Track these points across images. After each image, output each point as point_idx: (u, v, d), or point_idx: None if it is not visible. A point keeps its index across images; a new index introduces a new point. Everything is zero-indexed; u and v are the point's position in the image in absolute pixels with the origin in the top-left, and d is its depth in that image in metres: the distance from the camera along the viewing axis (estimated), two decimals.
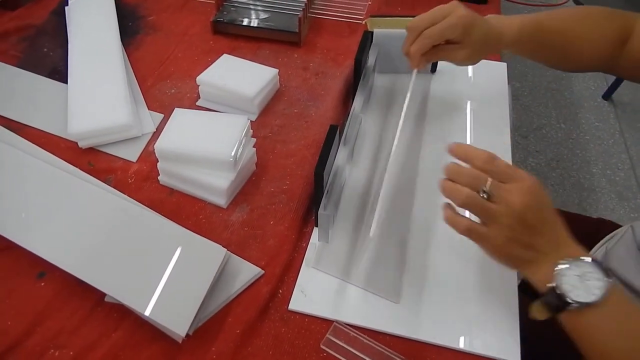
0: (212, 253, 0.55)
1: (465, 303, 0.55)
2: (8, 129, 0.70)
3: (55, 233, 0.57)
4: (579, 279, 0.44)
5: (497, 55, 0.88)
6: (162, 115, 0.74)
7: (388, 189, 0.66)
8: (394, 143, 0.60)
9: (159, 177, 0.66)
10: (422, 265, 0.58)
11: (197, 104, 0.77)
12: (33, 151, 0.67)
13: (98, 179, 0.65)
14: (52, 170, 0.63)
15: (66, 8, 0.91)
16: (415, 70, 0.66)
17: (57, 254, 0.55)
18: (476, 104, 0.78)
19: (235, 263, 0.57)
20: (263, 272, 0.57)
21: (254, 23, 0.88)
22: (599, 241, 0.74)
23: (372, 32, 0.75)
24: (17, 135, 0.69)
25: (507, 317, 0.53)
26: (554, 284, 0.44)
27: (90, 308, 0.53)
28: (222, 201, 0.63)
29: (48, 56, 0.84)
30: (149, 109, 0.75)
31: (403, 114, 0.62)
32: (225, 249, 0.55)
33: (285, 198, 0.64)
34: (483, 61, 0.85)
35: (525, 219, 0.45)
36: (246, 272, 0.56)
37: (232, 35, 0.89)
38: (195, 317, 0.50)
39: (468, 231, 0.47)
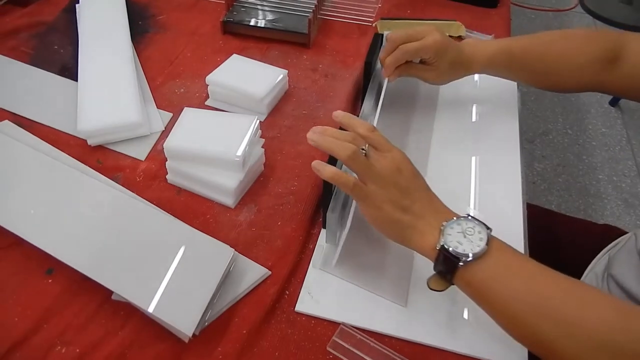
0: (220, 253, 0.55)
1: (472, 307, 0.54)
2: (18, 125, 0.71)
3: (64, 230, 0.57)
4: (462, 235, 0.46)
5: None
6: (171, 114, 0.74)
7: None
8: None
9: (167, 176, 0.66)
10: (429, 268, 0.57)
11: (206, 103, 0.77)
12: (43, 148, 0.67)
13: (106, 176, 0.65)
14: (61, 168, 0.64)
15: (77, 6, 0.91)
16: (387, 79, 0.69)
17: (65, 251, 0.55)
18: (485, 109, 0.78)
19: (242, 263, 0.57)
20: (270, 272, 0.57)
21: (264, 24, 0.88)
22: (604, 247, 0.74)
23: (382, 35, 0.75)
24: (27, 132, 0.70)
25: None
26: (441, 244, 0.46)
27: (98, 305, 0.53)
28: (230, 201, 0.63)
29: (58, 53, 0.84)
30: (158, 107, 0.75)
31: (378, 113, 0.63)
32: (233, 249, 0.55)
33: (293, 199, 0.64)
34: None
35: (397, 181, 0.49)
36: (253, 272, 0.56)
37: (241, 36, 0.89)
38: (202, 317, 0.50)
39: (354, 186, 0.48)
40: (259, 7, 0.92)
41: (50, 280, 0.55)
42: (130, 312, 0.53)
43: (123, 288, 0.52)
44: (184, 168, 0.63)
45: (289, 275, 0.57)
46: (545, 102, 2.06)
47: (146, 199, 0.63)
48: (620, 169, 1.79)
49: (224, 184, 0.61)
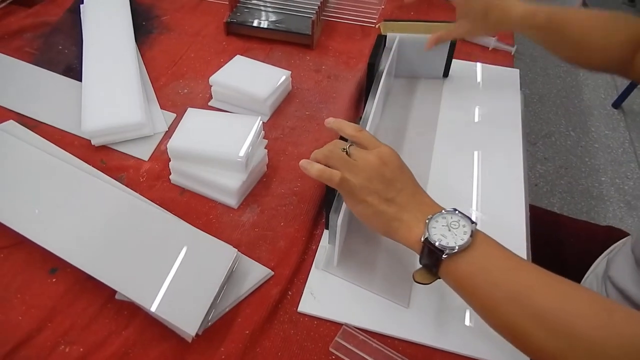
0: (223, 253, 0.55)
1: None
2: (23, 125, 0.71)
3: (68, 229, 0.57)
4: (447, 229, 0.46)
5: (509, 62, 0.88)
6: (175, 115, 0.75)
7: None
8: (369, 122, 0.61)
9: (170, 176, 0.66)
10: None
11: (209, 104, 0.77)
12: (47, 148, 0.68)
13: (110, 176, 0.65)
14: (65, 167, 0.64)
15: (81, 6, 0.91)
16: (386, 67, 0.70)
17: (69, 250, 0.55)
18: (488, 109, 0.78)
19: (245, 264, 0.57)
20: (273, 273, 0.57)
21: (267, 25, 0.89)
22: (606, 249, 0.74)
23: (385, 36, 0.75)
24: (31, 132, 0.70)
25: None
26: (425, 236, 0.46)
27: (101, 305, 0.54)
28: (232, 201, 0.63)
29: (63, 54, 0.85)
30: (161, 108, 0.76)
31: (373, 110, 0.64)
32: (236, 250, 0.55)
33: (296, 200, 0.64)
34: (495, 67, 0.86)
35: (382, 173, 0.50)
36: (256, 273, 0.56)
37: (245, 37, 0.89)
38: (205, 316, 0.50)
39: (341, 181, 0.49)
40: (262, 8, 0.93)
41: (54, 280, 0.56)
42: (133, 312, 0.53)
43: (127, 287, 0.52)
44: (187, 168, 0.63)
45: (292, 276, 0.57)
46: (548, 104, 2.05)
47: (149, 199, 0.63)
48: (623, 171, 1.78)
49: (227, 185, 0.62)
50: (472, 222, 0.46)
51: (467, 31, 0.72)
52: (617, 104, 2.04)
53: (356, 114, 0.77)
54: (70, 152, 0.68)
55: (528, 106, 2.03)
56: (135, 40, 0.85)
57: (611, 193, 1.72)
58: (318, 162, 0.52)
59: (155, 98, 0.77)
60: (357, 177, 0.50)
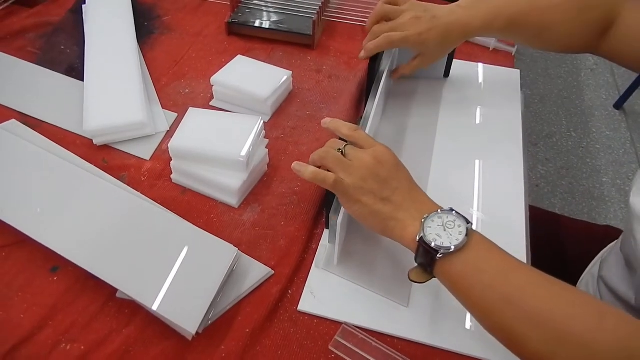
0: (223, 252, 0.55)
1: None
2: (25, 125, 0.71)
3: (69, 228, 0.58)
4: (442, 229, 0.46)
5: (510, 62, 0.88)
6: (176, 115, 0.75)
7: None
8: (368, 124, 0.61)
9: (171, 176, 0.66)
10: None
11: (211, 104, 0.77)
12: (49, 147, 0.68)
13: (112, 175, 0.66)
14: (67, 166, 0.64)
15: (83, 6, 0.92)
16: (387, 67, 0.71)
17: (70, 249, 0.55)
18: (489, 110, 0.78)
19: (245, 263, 0.57)
20: (273, 272, 0.57)
21: (269, 25, 0.89)
22: (605, 249, 0.74)
23: None
24: (33, 131, 0.70)
25: None
26: (420, 236, 0.46)
27: (102, 303, 0.54)
28: (233, 201, 0.63)
29: (65, 54, 0.85)
30: (163, 108, 0.76)
31: (374, 109, 0.64)
32: (237, 249, 0.56)
33: (296, 199, 0.64)
34: (496, 67, 0.86)
35: (377, 173, 0.50)
36: (256, 271, 0.57)
37: (246, 37, 0.90)
38: (205, 315, 0.51)
39: (335, 183, 0.50)
40: (263, 8, 0.93)
41: (55, 278, 0.56)
42: (134, 310, 0.53)
43: (128, 286, 0.52)
44: (188, 168, 0.64)
45: (292, 275, 0.57)
46: (550, 104, 2.05)
47: (151, 199, 0.63)
48: (624, 172, 1.78)
49: (228, 184, 0.62)
50: (468, 222, 0.46)
51: (428, 62, 0.73)
52: (618, 105, 2.04)
53: (357, 114, 0.78)
54: (72, 152, 0.68)
55: (529, 107, 2.03)
56: (137, 41, 0.85)
57: (612, 194, 1.72)
58: (315, 164, 0.53)
59: (157, 98, 0.77)
60: (351, 177, 0.50)
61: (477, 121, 0.77)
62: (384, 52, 0.72)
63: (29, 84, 0.79)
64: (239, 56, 0.80)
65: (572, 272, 0.76)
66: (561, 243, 0.82)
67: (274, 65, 0.79)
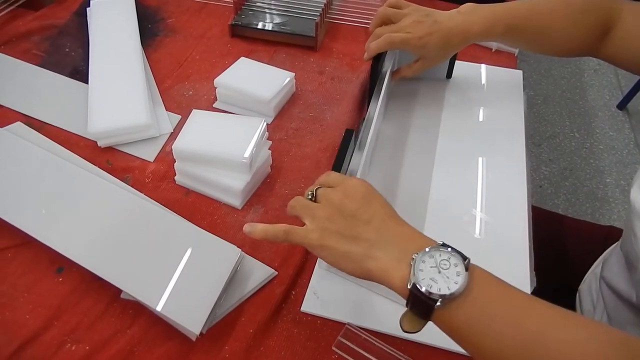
0: (227, 253, 0.56)
1: None
2: (30, 127, 0.72)
3: (74, 229, 0.58)
4: (436, 270, 0.40)
5: (513, 63, 0.88)
6: (180, 117, 0.75)
7: (402, 194, 0.66)
8: (369, 135, 0.61)
9: (175, 177, 0.67)
10: None
11: (214, 106, 0.78)
12: (54, 149, 0.69)
13: (116, 177, 0.66)
14: (71, 168, 0.65)
15: (88, 9, 0.92)
16: (389, 69, 0.71)
17: (75, 250, 0.56)
18: (491, 111, 0.78)
19: (249, 263, 0.58)
20: (276, 273, 0.57)
21: (272, 27, 0.89)
22: (607, 249, 0.74)
23: None
24: (38, 133, 0.71)
25: None
26: (412, 282, 0.39)
27: (107, 304, 0.54)
28: (237, 202, 0.64)
29: (69, 56, 0.86)
30: (166, 109, 0.76)
31: (377, 110, 0.65)
32: (240, 250, 0.56)
33: None
34: (499, 69, 0.86)
35: (344, 209, 0.45)
36: (260, 272, 0.57)
37: (249, 39, 0.90)
38: (209, 316, 0.51)
39: (286, 233, 0.46)
40: (266, 10, 0.93)
41: (60, 279, 0.56)
42: (138, 311, 0.54)
43: (132, 287, 0.53)
44: (192, 169, 0.64)
45: (295, 276, 0.57)
46: (553, 105, 2.05)
47: (155, 200, 0.63)
48: (628, 173, 1.78)
49: (231, 185, 0.62)
50: (465, 259, 0.41)
51: (429, 66, 0.73)
52: (622, 105, 2.03)
53: (359, 115, 0.78)
54: (76, 153, 0.69)
55: (532, 107, 2.03)
56: (141, 43, 0.86)
57: (616, 195, 1.72)
58: (290, 214, 0.49)
59: (161, 100, 0.78)
60: (315, 220, 0.45)
61: (480, 122, 0.77)
62: (386, 53, 0.72)
63: (33, 86, 0.79)
64: (242, 58, 0.81)
65: (575, 272, 0.76)
66: (564, 243, 0.82)
67: (277, 67, 0.80)
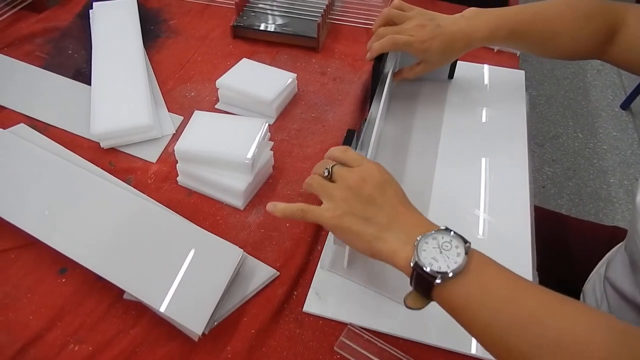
0: (229, 253, 0.56)
1: None
2: (33, 128, 0.72)
3: (77, 230, 0.58)
4: (438, 251, 0.43)
5: (515, 63, 0.88)
6: (182, 118, 0.76)
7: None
8: (372, 139, 0.61)
9: (177, 178, 0.67)
10: None
11: (216, 107, 0.78)
12: (57, 150, 0.69)
13: (119, 178, 0.66)
14: (74, 169, 0.65)
15: (90, 11, 0.93)
16: (391, 69, 0.72)
17: (78, 251, 0.56)
18: (493, 112, 0.78)
19: (251, 264, 0.58)
20: (278, 273, 0.57)
21: (273, 28, 0.89)
22: (612, 249, 0.73)
23: None
24: (41, 135, 0.71)
25: None
26: (415, 260, 0.42)
27: (109, 304, 0.54)
28: (239, 203, 0.64)
29: (72, 58, 0.86)
30: (169, 111, 0.77)
31: (380, 110, 0.65)
32: (242, 250, 0.56)
33: (301, 201, 0.65)
34: (501, 69, 0.86)
35: (360, 192, 0.47)
36: (262, 273, 0.57)
37: (251, 40, 0.90)
38: (211, 316, 0.51)
39: (303, 212, 0.49)
40: (268, 11, 0.93)
41: (63, 280, 0.56)
42: (141, 311, 0.54)
43: (134, 287, 0.53)
44: (194, 170, 0.64)
45: (297, 276, 0.57)
46: (556, 105, 2.05)
47: (157, 201, 0.64)
48: (632, 173, 1.77)
49: (233, 186, 0.62)
50: (466, 242, 0.43)
51: (431, 69, 0.74)
52: (625, 105, 2.03)
53: (361, 116, 0.78)
54: (79, 155, 0.69)
55: (535, 108, 2.03)
56: (143, 44, 0.86)
57: (620, 195, 1.71)
58: (305, 191, 0.52)
59: (163, 101, 0.78)
60: (332, 200, 0.48)
61: (482, 122, 0.77)
62: (388, 54, 0.72)
63: (36, 88, 0.80)
64: (244, 59, 0.81)
65: (578, 273, 0.76)
66: (568, 244, 0.82)
67: (279, 68, 0.80)
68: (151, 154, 0.70)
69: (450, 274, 0.41)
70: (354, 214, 0.47)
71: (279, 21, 0.91)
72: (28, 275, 0.57)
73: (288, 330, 0.53)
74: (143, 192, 0.65)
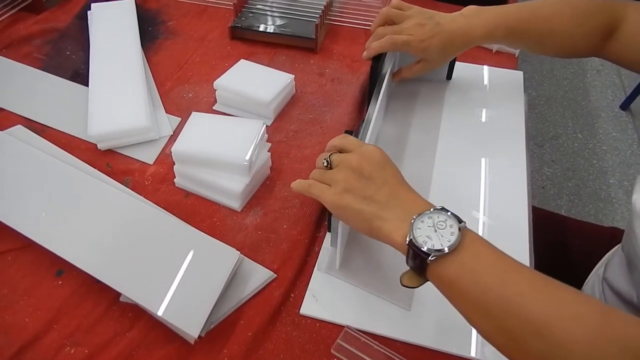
0: (226, 256, 0.56)
1: None
2: (31, 130, 0.72)
3: (74, 232, 0.58)
4: (432, 229, 0.44)
5: (513, 64, 0.88)
6: (180, 119, 0.76)
7: None
8: (369, 131, 0.61)
9: (175, 180, 0.67)
10: None
11: (214, 108, 0.78)
12: (54, 152, 0.69)
13: (116, 180, 0.66)
14: (71, 171, 0.65)
15: (88, 13, 0.93)
16: (389, 70, 0.72)
17: (75, 253, 0.56)
18: (491, 112, 0.78)
19: (248, 266, 0.58)
20: (275, 275, 0.57)
21: (271, 29, 0.89)
22: (611, 250, 0.73)
23: None
24: (39, 136, 0.71)
25: None
26: (409, 238, 0.44)
27: (106, 307, 0.54)
28: (236, 204, 0.64)
29: (70, 59, 0.86)
30: (166, 112, 0.77)
31: (376, 109, 0.65)
32: (239, 252, 0.56)
33: (298, 202, 0.65)
34: (499, 70, 0.86)
35: (360, 171, 0.49)
36: (259, 275, 0.57)
37: (249, 41, 0.90)
38: (207, 319, 0.51)
39: (309, 186, 0.52)
40: (267, 12, 0.93)
41: (60, 282, 0.56)
42: (137, 314, 0.53)
43: (131, 290, 0.53)
44: (191, 172, 0.64)
45: (294, 278, 0.57)
46: (555, 106, 2.04)
47: (154, 203, 0.64)
48: (632, 174, 1.77)
49: (230, 188, 0.62)
50: (460, 221, 0.44)
51: (430, 68, 0.74)
52: (625, 106, 2.03)
53: (359, 116, 0.78)
54: (76, 156, 0.69)
55: (535, 108, 2.02)
56: (142, 46, 0.86)
57: (619, 195, 1.71)
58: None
59: (161, 102, 0.78)
60: (332, 182, 0.50)
61: (480, 123, 0.77)
62: (386, 54, 0.72)
63: (34, 89, 0.80)
64: (241, 60, 0.81)
65: (578, 273, 0.75)
66: (567, 245, 0.82)
67: (277, 69, 0.80)
68: (148, 156, 0.70)
69: (444, 251, 0.42)
70: (353, 193, 0.49)
71: (277, 22, 0.91)
72: (25, 278, 0.57)
73: (285, 332, 0.53)
74: (140, 194, 0.65)
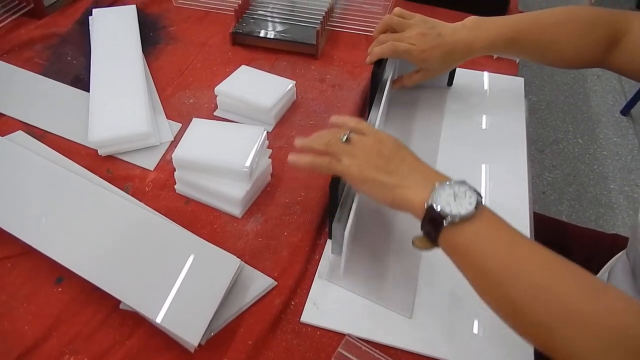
0: (226, 263, 0.56)
1: (477, 319, 0.54)
2: (31, 135, 0.72)
3: (74, 239, 0.58)
4: (452, 198, 0.46)
5: (514, 70, 0.88)
6: (180, 125, 0.75)
7: None
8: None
9: (175, 186, 0.67)
10: (434, 280, 0.58)
11: (215, 114, 0.78)
12: (54, 158, 0.69)
13: (116, 186, 0.66)
14: (72, 177, 0.65)
15: (90, 18, 0.93)
16: (389, 79, 0.72)
17: (75, 260, 0.56)
18: (492, 119, 0.78)
19: (248, 273, 0.57)
20: (276, 283, 0.57)
21: (272, 35, 0.89)
22: (613, 257, 0.73)
23: None
24: (39, 142, 0.71)
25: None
26: (429, 202, 0.46)
27: (106, 315, 0.54)
28: (237, 211, 0.63)
29: (71, 64, 0.86)
30: (167, 118, 0.76)
31: (380, 111, 0.65)
32: (239, 259, 0.56)
33: (299, 209, 0.64)
34: (500, 76, 0.86)
35: (381, 151, 0.52)
36: (259, 282, 0.57)
37: (250, 47, 0.90)
38: (207, 327, 0.51)
39: (329, 163, 0.53)
40: (268, 18, 0.93)
41: (60, 289, 0.56)
42: (137, 322, 0.53)
43: (131, 298, 0.53)
44: (192, 178, 0.64)
45: (295, 286, 0.57)
46: (556, 111, 2.04)
47: (155, 209, 0.63)
48: (632, 179, 1.77)
49: (231, 194, 0.62)
50: (479, 195, 0.46)
51: (430, 77, 0.74)
52: (625, 111, 2.02)
53: None
54: (77, 162, 0.69)
55: (535, 113, 2.02)
56: (143, 51, 0.86)
57: (620, 201, 1.71)
58: (319, 151, 0.54)
59: (162, 108, 0.78)
60: (355, 158, 0.52)
61: (481, 129, 0.77)
62: (387, 60, 0.72)
63: (35, 94, 0.80)
64: (242, 66, 0.81)
65: None
66: (568, 251, 0.81)
67: (278, 75, 0.80)
68: (149, 162, 0.70)
69: (459, 217, 0.44)
70: (376, 168, 0.51)
71: (278, 28, 0.91)
72: (24, 284, 0.56)
73: (285, 341, 0.53)
74: (141, 200, 0.65)
